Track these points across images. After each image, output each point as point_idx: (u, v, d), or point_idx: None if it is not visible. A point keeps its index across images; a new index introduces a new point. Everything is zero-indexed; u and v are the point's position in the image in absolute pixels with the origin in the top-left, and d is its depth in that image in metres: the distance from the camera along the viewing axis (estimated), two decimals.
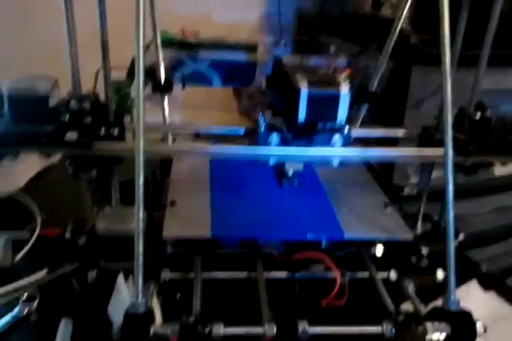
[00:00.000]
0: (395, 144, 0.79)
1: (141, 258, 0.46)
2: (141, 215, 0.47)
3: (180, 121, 0.95)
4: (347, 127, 0.57)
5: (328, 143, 0.57)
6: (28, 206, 0.80)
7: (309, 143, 0.57)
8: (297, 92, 0.52)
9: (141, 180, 0.47)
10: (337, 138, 0.56)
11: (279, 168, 0.66)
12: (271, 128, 0.58)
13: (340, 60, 0.75)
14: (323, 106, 0.53)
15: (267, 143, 0.57)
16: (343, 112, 0.53)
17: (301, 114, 0.52)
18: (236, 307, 0.60)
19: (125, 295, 0.52)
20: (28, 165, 0.93)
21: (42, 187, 0.89)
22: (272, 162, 0.59)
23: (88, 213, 0.64)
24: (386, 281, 0.62)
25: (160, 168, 0.79)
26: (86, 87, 0.62)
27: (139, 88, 0.48)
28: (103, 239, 0.58)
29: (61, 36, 0.55)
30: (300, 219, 0.64)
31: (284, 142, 0.58)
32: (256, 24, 1.21)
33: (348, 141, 0.57)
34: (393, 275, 0.62)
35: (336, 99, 0.52)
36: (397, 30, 0.69)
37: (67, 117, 0.57)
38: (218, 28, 0.85)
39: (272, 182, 0.69)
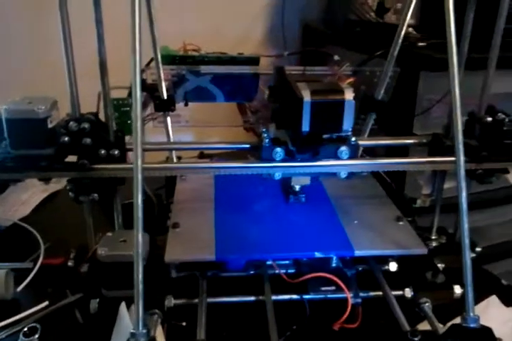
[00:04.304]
0: (406, 155, 0.77)
1: (141, 286, 0.44)
2: (140, 239, 0.45)
3: (185, 139, 0.94)
4: (353, 137, 0.55)
5: (334, 154, 0.55)
6: (32, 235, 0.78)
7: (315, 155, 0.56)
8: (300, 102, 0.50)
9: (139, 201, 0.45)
10: (344, 149, 0.55)
11: (286, 183, 0.64)
12: (275, 141, 0.56)
13: (345, 68, 0.74)
14: (328, 115, 0.51)
15: (271, 158, 0.56)
16: (348, 120, 0.51)
17: (305, 125, 0.51)
18: (244, 332, 0.57)
19: (128, 325, 0.50)
20: (32, 193, 0.92)
21: (48, 214, 0.87)
22: (277, 177, 0.57)
23: (91, 239, 0.63)
24: (401, 299, 0.58)
25: (165, 190, 0.77)
26: (91, 107, 0.61)
27: (137, 106, 0.47)
28: (105, 266, 0.56)
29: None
30: (307, 237, 0.61)
31: (289, 155, 0.56)
32: (261, 37, 1.21)
33: (355, 152, 0.55)
34: (408, 292, 0.59)
35: (340, 106, 0.50)
36: (402, 35, 0.67)
37: (66, 139, 0.56)
38: (223, 43, 0.84)
39: (279, 199, 0.67)
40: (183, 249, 0.58)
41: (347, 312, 0.55)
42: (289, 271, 0.61)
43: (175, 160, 0.77)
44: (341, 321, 0.56)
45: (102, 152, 0.57)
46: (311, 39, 1.20)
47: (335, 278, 0.57)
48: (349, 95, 0.50)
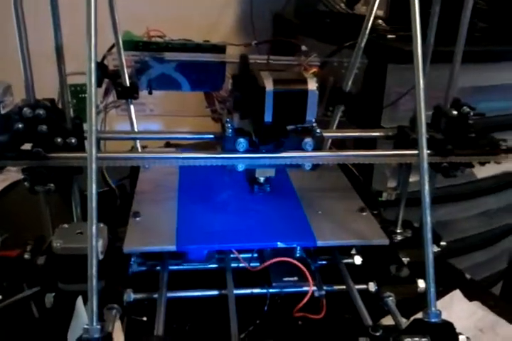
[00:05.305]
0: (375, 148, 0.76)
1: (94, 280, 0.42)
2: (94, 231, 0.43)
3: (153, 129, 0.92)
4: (318, 129, 0.54)
5: (298, 146, 0.54)
6: None
7: (279, 147, 0.55)
8: (262, 91, 0.49)
9: (93, 191, 0.44)
10: (308, 140, 0.54)
11: (251, 174, 0.63)
12: (238, 132, 0.55)
13: (311, 59, 0.73)
14: (291, 105, 0.50)
15: (235, 149, 0.54)
16: (312, 110, 0.50)
17: (268, 115, 0.50)
18: (204, 327, 0.56)
19: (85, 320, 0.48)
20: None
21: (7, 204, 0.85)
22: (240, 168, 0.55)
23: (48, 230, 0.60)
24: (366, 293, 0.58)
25: (130, 180, 0.75)
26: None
27: (91, 92, 0.45)
28: (60, 259, 0.54)
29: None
30: (270, 228, 0.60)
31: (253, 146, 0.55)
32: (230, 25, 1.19)
33: (319, 144, 0.54)
34: (372, 287, 0.58)
35: (303, 96, 0.49)
36: (369, 25, 0.66)
37: (20, 126, 0.53)
38: (190, 30, 0.82)
39: (243, 189, 0.66)
40: (143, 238, 0.57)
41: (307, 297, 0.55)
42: (253, 264, 0.60)
43: (139, 149, 0.75)
44: (299, 307, 0.56)
45: (59, 140, 0.55)
46: (282, 29, 1.19)
47: (297, 263, 0.57)
48: (312, 85, 0.49)
